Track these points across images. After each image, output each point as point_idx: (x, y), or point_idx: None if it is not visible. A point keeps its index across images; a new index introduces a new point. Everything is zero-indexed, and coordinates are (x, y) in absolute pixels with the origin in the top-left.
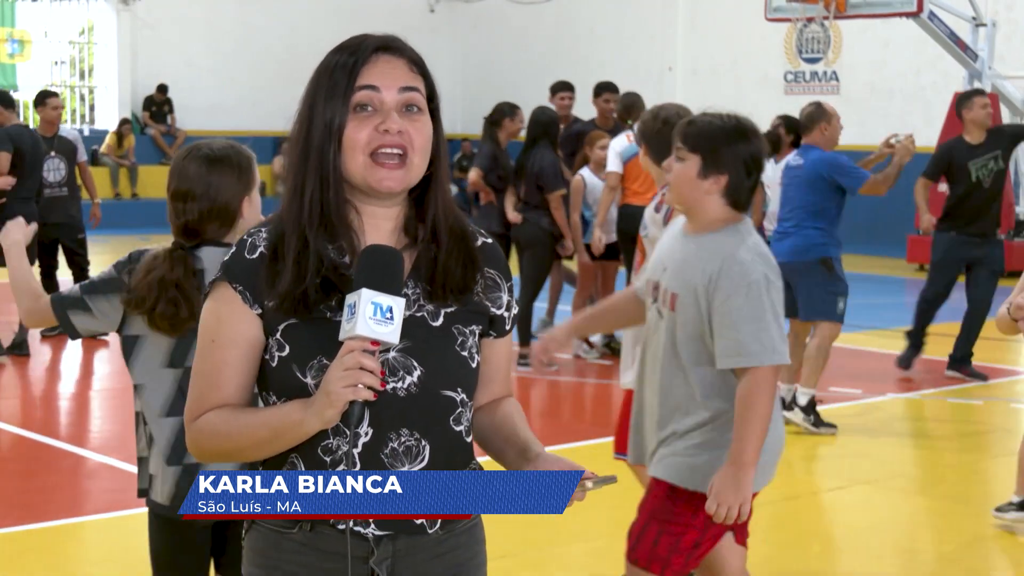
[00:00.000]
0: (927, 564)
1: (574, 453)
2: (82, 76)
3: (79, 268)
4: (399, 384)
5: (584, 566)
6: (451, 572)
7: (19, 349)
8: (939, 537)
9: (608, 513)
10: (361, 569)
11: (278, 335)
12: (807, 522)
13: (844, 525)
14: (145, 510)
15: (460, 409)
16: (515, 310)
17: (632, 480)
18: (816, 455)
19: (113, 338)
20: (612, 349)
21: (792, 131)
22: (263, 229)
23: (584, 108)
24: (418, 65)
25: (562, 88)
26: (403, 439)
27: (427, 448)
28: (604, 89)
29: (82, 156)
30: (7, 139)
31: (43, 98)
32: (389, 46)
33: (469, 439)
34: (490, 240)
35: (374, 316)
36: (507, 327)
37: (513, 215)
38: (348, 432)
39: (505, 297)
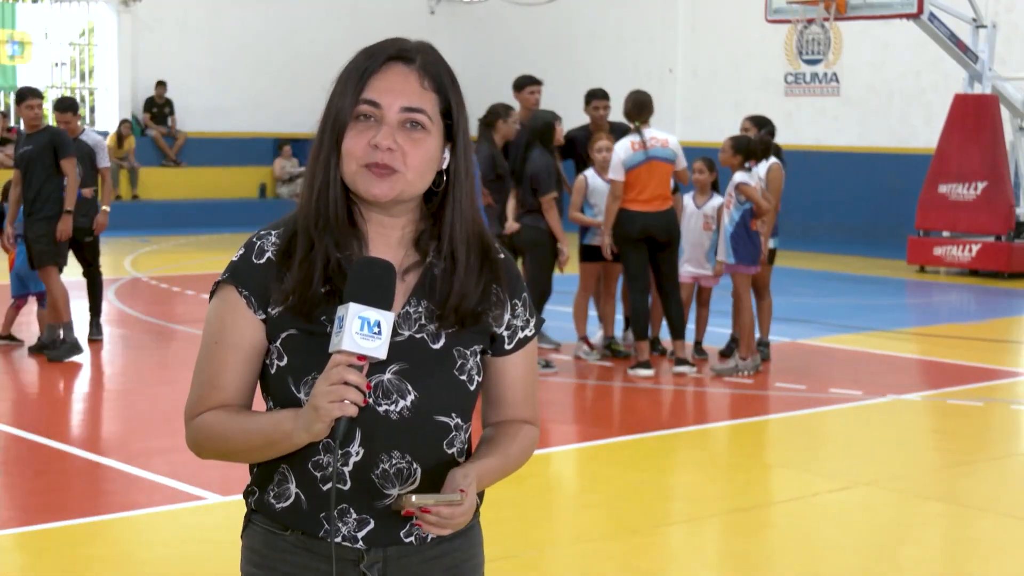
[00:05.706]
0: (927, 564)
1: (576, 454)
2: (82, 78)
3: (86, 263)
4: (392, 407)
5: (584, 566)
6: (448, 574)
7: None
8: (939, 538)
9: (608, 513)
10: (352, 572)
11: (279, 343)
12: (807, 523)
13: (844, 526)
14: (145, 511)
15: (453, 433)
16: (524, 332)
17: (628, 482)
18: (816, 456)
19: (113, 339)
20: (612, 350)
21: (762, 129)
22: (273, 231)
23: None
24: (434, 80)
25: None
26: (394, 461)
27: (418, 471)
28: (594, 96)
29: (103, 163)
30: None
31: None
32: (405, 56)
33: (462, 460)
34: (502, 256)
35: (361, 331)
36: (507, 347)
37: (510, 224)
38: (335, 447)
39: (507, 316)
